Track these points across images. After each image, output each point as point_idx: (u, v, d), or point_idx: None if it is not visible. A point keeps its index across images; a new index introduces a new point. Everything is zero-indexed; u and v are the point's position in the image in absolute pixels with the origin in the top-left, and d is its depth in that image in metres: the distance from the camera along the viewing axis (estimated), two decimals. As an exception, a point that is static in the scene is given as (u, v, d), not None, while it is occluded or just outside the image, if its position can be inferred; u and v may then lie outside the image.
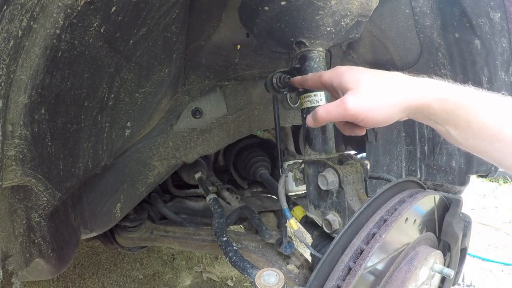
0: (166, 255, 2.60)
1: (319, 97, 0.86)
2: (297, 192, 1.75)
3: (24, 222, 0.70)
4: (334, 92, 0.71)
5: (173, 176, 1.54)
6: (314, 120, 0.68)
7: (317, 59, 0.88)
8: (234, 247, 0.98)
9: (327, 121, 0.69)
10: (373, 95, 0.61)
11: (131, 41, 0.80)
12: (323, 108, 0.66)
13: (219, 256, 2.56)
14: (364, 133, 0.72)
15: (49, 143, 0.70)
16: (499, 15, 1.06)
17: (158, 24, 0.84)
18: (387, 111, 0.61)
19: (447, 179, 1.38)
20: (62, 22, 0.58)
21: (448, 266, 0.80)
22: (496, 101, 0.58)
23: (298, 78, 0.83)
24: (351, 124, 0.70)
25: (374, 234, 0.61)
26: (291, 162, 0.99)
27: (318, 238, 0.91)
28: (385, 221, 0.63)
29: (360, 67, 0.67)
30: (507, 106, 0.57)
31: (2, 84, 0.53)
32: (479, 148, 0.61)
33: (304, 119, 0.89)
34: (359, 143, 1.70)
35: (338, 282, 0.57)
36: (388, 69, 0.68)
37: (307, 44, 0.87)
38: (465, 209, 0.80)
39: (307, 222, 0.98)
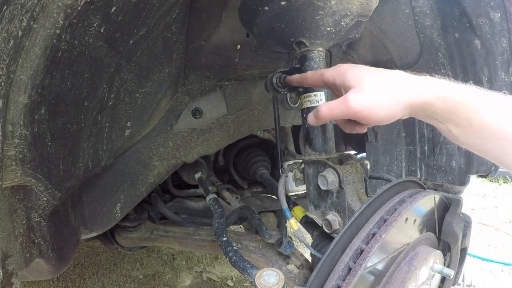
0: (166, 255, 2.60)
1: (319, 97, 0.86)
2: (297, 192, 1.75)
3: (24, 222, 0.70)
4: (336, 90, 0.71)
5: (173, 176, 1.54)
6: (316, 117, 0.68)
7: (317, 59, 0.88)
8: (234, 247, 0.98)
9: (329, 119, 0.68)
10: (376, 93, 0.61)
11: (131, 41, 0.80)
12: (326, 106, 0.66)
13: (219, 256, 2.56)
14: (365, 131, 0.72)
15: (49, 143, 0.70)
16: (499, 15, 1.06)
17: (158, 24, 0.84)
18: (389, 109, 0.61)
19: (447, 179, 1.38)
20: (62, 22, 0.58)
21: (448, 266, 0.80)
22: (497, 99, 0.58)
23: (296, 76, 0.82)
24: (353, 122, 0.70)
25: (374, 234, 0.61)
26: (291, 162, 0.99)
27: (318, 238, 0.91)
28: (385, 221, 0.63)
29: (362, 65, 0.67)
30: (508, 105, 0.57)
31: (2, 84, 0.53)
32: (480, 147, 0.61)
33: (304, 119, 0.89)
34: (359, 143, 1.71)
35: (338, 282, 0.57)
36: (390, 68, 0.68)
37: (307, 44, 0.87)
38: (465, 209, 0.80)
39: (307, 222, 0.98)
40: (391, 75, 0.63)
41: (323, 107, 0.66)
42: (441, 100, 0.58)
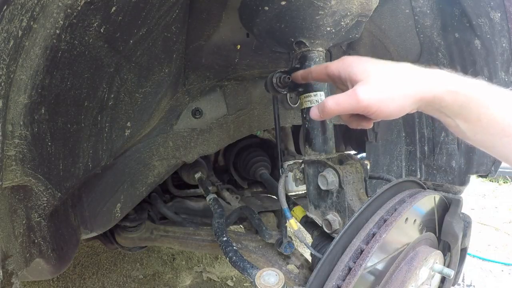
0: (166, 255, 2.60)
1: (319, 97, 0.86)
2: (297, 192, 1.75)
3: (24, 222, 0.70)
4: (341, 84, 0.69)
5: (173, 176, 1.54)
6: (321, 112, 0.65)
7: (317, 59, 0.88)
8: (234, 247, 0.98)
9: (336, 114, 0.64)
10: (385, 86, 0.59)
11: (131, 41, 0.80)
12: (333, 100, 0.62)
13: (219, 256, 2.56)
14: (371, 126, 0.70)
15: (49, 143, 0.70)
16: (499, 15, 1.06)
17: (158, 24, 0.84)
18: (399, 103, 0.59)
19: (447, 179, 1.38)
20: (62, 22, 0.58)
21: (448, 266, 0.80)
22: (506, 96, 0.57)
23: (300, 72, 0.80)
24: (359, 117, 0.67)
25: (374, 234, 0.61)
26: (291, 162, 0.99)
27: (318, 238, 0.91)
28: (385, 221, 0.63)
29: (369, 58, 0.65)
30: None
31: (2, 84, 0.53)
32: (486, 144, 0.60)
33: (304, 119, 0.89)
34: (359, 143, 1.71)
35: (338, 282, 0.57)
36: None
37: (307, 44, 0.87)
38: (465, 209, 0.80)
39: (307, 222, 0.98)
40: (399, 68, 0.61)
41: (330, 100, 0.62)
42: (452, 94, 0.57)
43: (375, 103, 0.59)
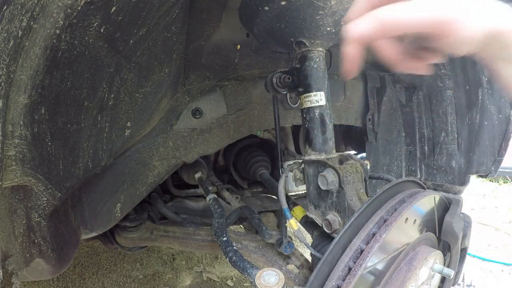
0: (166, 255, 2.60)
1: (319, 97, 0.86)
2: (297, 192, 1.75)
3: (24, 222, 0.70)
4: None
5: (173, 176, 1.54)
6: (382, 26, 0.43)
7: (317, 59, 0.88)
8: (234, 247, 0.98)
9: (403, 31, 0.44)
10: (458, 2, 0.43)
11: (131, 41, 0.80)
12: (402, 10, 0.42)
13: (219, 256, 2.56)
14: (431, 71, 0.52)
15: (49, 143, 0.70)
16: (499, 15, 1.06)
17: (158, 24, 0.84)
18: (476, 28, 0.43)
19: (447, 179, 1.38)
20: (62, 22, 0.58)
21: (448, 266, 0.80)
22: None
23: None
24: (421, 50, 0.50)
25: (374, 234, 0.61)
26: (291, 162, 0.99)
27: (318, 238, 0.91)
28: (385, 221, 0.63)
29: None
30: None
31: (2, 84, 0.53)
32: None
33: (304, 119, 0.89)
34: (359, 143, 1.71)
35: (338, 282, 0.57)
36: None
37: (307, 44, 0.87)
38: (465, 209, 0.80)
39: (307, 222, 0.98)
40: None
41: (399, 10, 0.42)
42: None
43: (453, 15, 0.42)
